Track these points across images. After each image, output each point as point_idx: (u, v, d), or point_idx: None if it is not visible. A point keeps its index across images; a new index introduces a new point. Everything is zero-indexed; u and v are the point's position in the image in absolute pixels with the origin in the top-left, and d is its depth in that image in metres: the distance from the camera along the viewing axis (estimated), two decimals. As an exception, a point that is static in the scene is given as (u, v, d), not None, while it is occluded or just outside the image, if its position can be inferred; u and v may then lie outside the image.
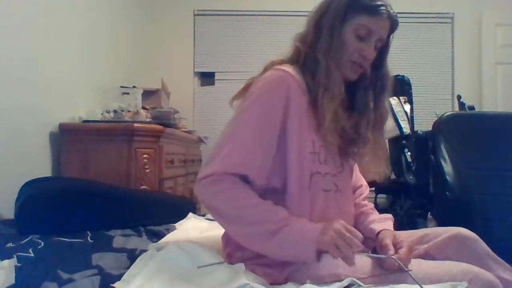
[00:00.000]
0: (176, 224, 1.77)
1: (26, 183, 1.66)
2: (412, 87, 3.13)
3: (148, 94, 2.87)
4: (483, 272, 1.02)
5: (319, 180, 1.08)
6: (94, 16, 2.64)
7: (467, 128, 1.96)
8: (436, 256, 1.11)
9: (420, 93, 3.71)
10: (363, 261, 1.03)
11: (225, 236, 1.16)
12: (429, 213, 2.59)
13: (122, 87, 2.58)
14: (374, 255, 1.07)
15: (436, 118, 2.00)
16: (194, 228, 1.68)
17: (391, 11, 1.10)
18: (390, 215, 1.23)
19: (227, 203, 1.04)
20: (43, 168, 2.02)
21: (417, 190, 2.71)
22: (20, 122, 1.86)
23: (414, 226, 2.65)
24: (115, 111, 2.27)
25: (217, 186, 1.03)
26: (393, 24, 1.12)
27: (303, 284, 0.97)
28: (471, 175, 1.83)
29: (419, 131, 2.78)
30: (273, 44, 3.85)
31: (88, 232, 1.53)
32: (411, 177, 2.73)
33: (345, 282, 0.96)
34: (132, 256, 1.28)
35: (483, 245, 1.14)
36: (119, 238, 1.52)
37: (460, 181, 1.83)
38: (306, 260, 1.00)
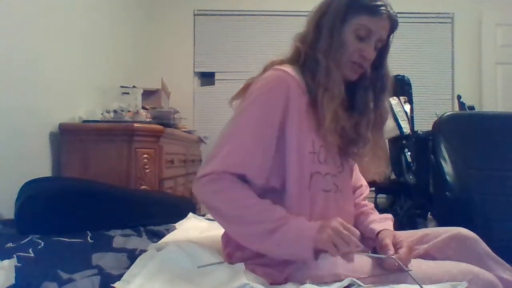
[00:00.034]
0: (176, 224, 1.77)
1: (26, 183, 1.66)
2: (412, 87, 3.13)
3: (148, 94, 2.88)
4: (483, 272, 1.02)
5: (319, 180, 1.08)
6: (94, 16, 2.64)
7: (467, 128, 1.96)
8: (436, 256, 1.11)
9: (420, 93, 3.71)
10: (363, 261, 1.03)
11: (225, 236, 1.16)
12: (429, 213, 2.58)
13: (122, 87, 2.58)
14: (374, 255, 1.07)
15: (436, 118, 2.00)
16: (194, 228, 1.68)
17: (391, 11, 1.10)
18: (390, 215, 1.23)
19: (227, 203, 1.04)
20: (43, 168, 2.02)
21: (417, 190, 2.71)
22: (20, 122, 1.86)
23: (414, 226, 2.64)
24: (115, 111, 2.27)
25: (216, 185, 1.03)
26: (393, 24, 1.12)
27: (303, 284, 0.97)
28: (471, 175, 1.82)
29: (419, 131, 2.78)
30: (273, 44, 3.85)
31: (88, 232, 1.53)
32: (411, 177, 2.73)
33: (345, 282, 0.96)
34: (132, 256, 1.27)
35: (483, 245, 1.14)
36: (119, 238, 1.51)
37: (460, 181, 1.83)
38: (304, 259, 1.00)
